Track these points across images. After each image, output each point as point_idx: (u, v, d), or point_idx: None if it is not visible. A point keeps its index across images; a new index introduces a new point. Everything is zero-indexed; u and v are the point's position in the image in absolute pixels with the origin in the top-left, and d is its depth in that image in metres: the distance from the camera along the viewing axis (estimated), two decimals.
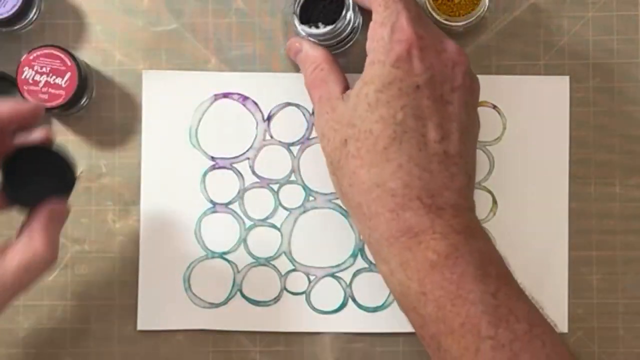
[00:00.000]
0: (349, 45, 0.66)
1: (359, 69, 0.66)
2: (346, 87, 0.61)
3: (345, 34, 0.64)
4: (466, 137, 0.57)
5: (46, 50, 0.64)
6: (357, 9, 0.63)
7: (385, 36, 0.57)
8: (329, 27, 0.63)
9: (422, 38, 0.57)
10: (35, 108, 0.58)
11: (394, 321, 0.66)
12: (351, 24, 0.64)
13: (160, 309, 0.66)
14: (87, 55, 0.67)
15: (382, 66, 0.57)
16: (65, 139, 0.67)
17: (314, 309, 0.66)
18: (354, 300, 0.66)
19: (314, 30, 0.63)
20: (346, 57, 0.66)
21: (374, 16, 0.59)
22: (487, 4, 0.63)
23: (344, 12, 0.63)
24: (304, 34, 0.63)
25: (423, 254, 0.54)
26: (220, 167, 0.67)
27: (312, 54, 0.63)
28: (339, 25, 0.63)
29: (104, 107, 0.67)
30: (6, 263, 0.54)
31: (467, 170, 0.57)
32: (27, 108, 0.57)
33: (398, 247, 0.55)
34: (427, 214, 0.55)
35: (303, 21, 0.63)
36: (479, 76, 0.66)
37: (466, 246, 0.55)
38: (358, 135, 0.57)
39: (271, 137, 0.67)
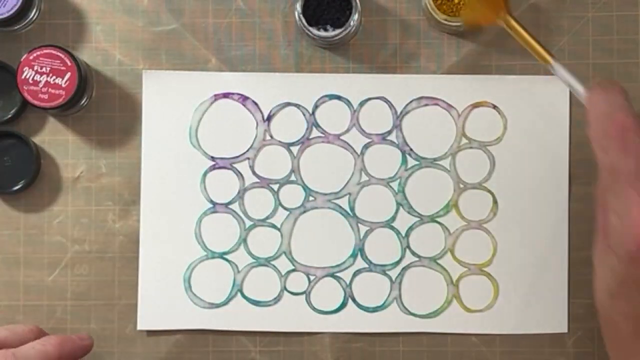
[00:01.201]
0: (349, 45, 0.66)
1: (358, 69, 0.66)
2: None
3: (350, 35, 0.64)
4: None
5: (46, 50, 0.64)
6: (360, 9, 0.63)
7: (616, 225, 0.49)
8: (338, 30, 0.63)
9: None
10: (85, 344, 0.60)
11: (394, 321, 0.66)
12: (356, 26, 0.64)
13: (160, 309, 0.66)
14: (87, 55, 0.67)
15: (617, 260, 0.49)
16: (65, 139, 0.67)
17: (314, 309, 0.66)
18: (354, 300, 0.66)
19: (322, 33, 0.63)
20: (346, 57, 0.66)
21: (601, 185, 0.50)
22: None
23: (353, 15, 0.63)
24: (313, 36, 0.63)
25: None
26: (220, 167, 0.67)
27: None
28: (348, 28, 0.63)
29: (104, 107, 0.67)
30: None
31: None
32: (79, 346, 0.59)
33: None
34: None
35: (310, 23, 0.63)
36: (478, 76, 0.66)
37: None
38: (602, 313, 0.52)
39: (271, 137, 0.67)
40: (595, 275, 0.53)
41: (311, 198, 0.66)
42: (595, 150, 0.50)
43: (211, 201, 0.66)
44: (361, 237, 0.66)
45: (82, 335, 0.60)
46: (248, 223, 0.66)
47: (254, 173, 0.67)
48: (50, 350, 0.56)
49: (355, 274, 0.66)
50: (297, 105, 0.67)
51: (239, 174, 0.67)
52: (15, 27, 0.66)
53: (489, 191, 0.66)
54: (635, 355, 0.51)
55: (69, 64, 0.64)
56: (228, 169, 0.67)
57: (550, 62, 0.55)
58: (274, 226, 0.66)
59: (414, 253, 0.66)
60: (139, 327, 0.66)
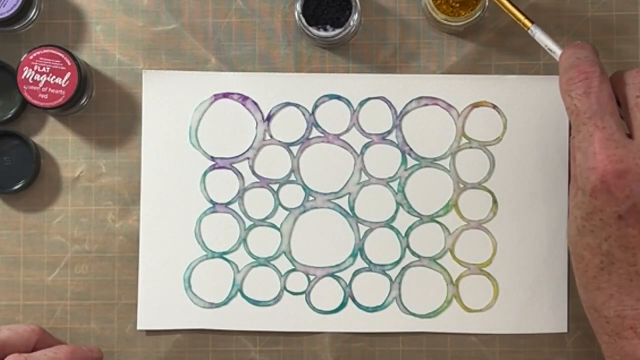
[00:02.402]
0: (349, 45, 0.66)
1: (358, 69, 0.66)
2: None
3: (350, 35, 0.64)
4: None
5: (46, 50, 0.64)
6: (360, 9, 0.63)
7: (581, 163, 0.53)
8: (338, 30, 0.63)
9: (618, 162, 0.52)
10: (95, 357, 0.60)
11: (394, 321, 0.66)
12: (357, 26, 0.64)
13: (160, 309, 0.66)
14: (87, 55, 0.67)
15: (583, 195, 0.53)
16: (65, 139, 0.67)
17: (314, 309, 0.66)
18: (354, 300, 0.66)
19: (322, 33, 0.63)
20: (346, 57, 0.66)
21: (572, 133, 0.55)
22: (487, 4, 0.63)
23: (353, 15, 0.63)
24: (313, 36, 0.63)
25: None
26: (220, 167, 0.67)
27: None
28: (348, 28, 0.63)
29: (104, 107, 0.67)
30: None
31: None
32: (90, 358, 0.59)
33: None
34: None
35: (310, 23, 0.63)
36: (479, 76, 0.66)
37: None
38: (572, 252, 0.56)
39: (271, 137, 0.67)
40: (568, 219, 0.56)
41: (311, 198, 0.66)
42: (562, 98, 0.55)
43: (211, 201, 0.66)
44: (361, 237, 0.66)
45: (92, 347, 0.60)
46: (248, 223, 0.66)
47: (254, 173, 0.67)
48: (62, 359, 0.56)
49: (355, 274, 0.66)
50: (297, 105, 0.67)
51: (239, 174, 0.67)
52: (15, 27, 0.66)
53: (489, 191, 0.66)
54: (601, 289, 0.54)
55: (69, 64, 0.64)
56: (228, 169, 0.67)
57: (530, 27, 0.60)
58: (274, 226, 0.66)
59: (414, 253, 0.66)
60: (139, 327, 0.66)
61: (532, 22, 0.60)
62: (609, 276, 0.53)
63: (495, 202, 0.66)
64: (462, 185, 0.66)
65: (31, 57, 0.63)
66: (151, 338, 0.66)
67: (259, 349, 0.66)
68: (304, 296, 0.66)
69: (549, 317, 0.65)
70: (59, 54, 0.64)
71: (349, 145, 0.66)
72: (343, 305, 0.66)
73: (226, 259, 0.66)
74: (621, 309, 0.53)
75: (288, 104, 0.67)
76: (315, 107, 0.66)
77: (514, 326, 0.65)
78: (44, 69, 0.63)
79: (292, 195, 0.66)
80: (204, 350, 0.66)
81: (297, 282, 0.66)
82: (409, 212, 0.66)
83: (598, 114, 0.53)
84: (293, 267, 0.66)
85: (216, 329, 0.66)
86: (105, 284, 0.67)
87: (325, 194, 0.66)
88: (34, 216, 0.67)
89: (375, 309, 0.66)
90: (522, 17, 0.60)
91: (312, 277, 0.66)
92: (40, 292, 0.66)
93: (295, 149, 0.67)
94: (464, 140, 0.66)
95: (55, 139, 0.67)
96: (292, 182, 0.66)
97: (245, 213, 0.66)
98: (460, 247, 0.66)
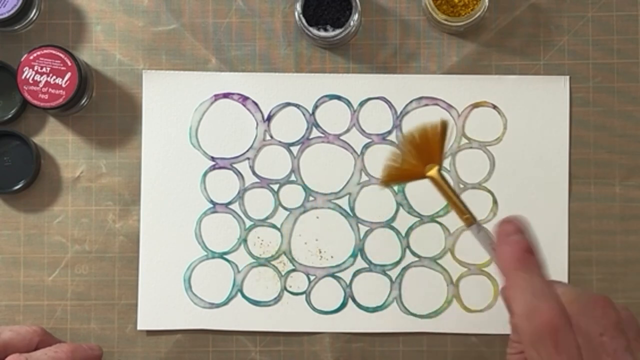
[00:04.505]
0: (349, 45, 0.66)
1: (358, 69, 0.66)
2: None
3: (350, 35, 0.64)
4: None
5: (46, 50, 0.64)
6: (360, 9, 0.63)
7: None
8: (338, 30, 0.63)
9: None
10: (96, 354, 0.60)
11: (394, 321, 0.66)
12: (357, 26, 0.64)
13: (160, 309, 0.66)
14: (87, 55, 0.67)
15: None
16: (65, 139, 0.67)
17: (314, 309, 0.66)
18: (354, 300, 0.66)
19: (322, 33, 0.63)
20: (346, 57, 0.66)
21: None
22: (487, 4, 0.63)
23: (353, 15, 0.63)
24: (313, 36, 0.63)
25: None
26: (220, 167, 0.67)
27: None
28: (348, 28, 0.63)
29: (104, 107, 0.67)
30: None
31: None
32: (90, 356, 0.59)
33: None
34: None
35: (310, 23, 0.63)
36: (479, 76, 0.66)
37: None
38: None
39: (271, 137, 0.67)
40: None
41: (311, 198, 0.66)
42: (525, 347, 0.47)
43: (211, 201, 0.66)
44: (361, 237, 0.66)
45: (92, 345, 0.60)
46: (248, 223, 0.66)
47: (254, 173, 0.67)
48: (63, 358, 0.56)
49: (355, 274, 0.66)
50: (297, 105, 0.67)
51: (239, 174, 0.67)
52: (15, 27, 0.66)
53: (489, 191, 0.66)
54: None
55: (69, 64, 0.64)
56: (228, 169, 0.67)
57: (474, 224, 0.51)
58: (274, 226, 0.66)
59: (414, 253, 0.66)
60: (139, 327, 0.66)
61: (475, 219, 0.52)
62: None
63: (495, 202, 0.66)
64: (462, 185, 0.66)
65: (31, 57, 0.63)
66: (151, 338, 0.66)
67: (259, 349, 0.66)
68: (304, 296, 0.66)
69: None
70: (59, 54, 0.64)
71: (349, 145, 0.66)
72: (343, 305, 0.66)
73: (226, 259, 0.66)
74: None
75: (288, 104, 0.67)
76: (315, 107, 0.66)
77: None
78: (44, 69, 0.63)
79: (292, 195, 0.66)
80: (204, 350, 0.66)
81: (297, 282, 0.66)
82: (409, 212, 0.66)
83: None
84: (293, 267, 0.66)
85: (216, 329, 0.66)
86: (105, 284, 0.67)
87: (325, 194, 0.66)
88: (34, 216, 0.67)
89: (375, 309, 0.66)
90: (464, 210, 0.52)
91: (312, 277, 0.66)
92: (40, 292, 0.67)
93: (295, 149, 0.67)
94: (464, 140, 0.66)
95: (55, 139, 0.67)
96: (292, 182, 0.66)
97: (245, 213, 0.66)
98: (460, 247, 0.66)
